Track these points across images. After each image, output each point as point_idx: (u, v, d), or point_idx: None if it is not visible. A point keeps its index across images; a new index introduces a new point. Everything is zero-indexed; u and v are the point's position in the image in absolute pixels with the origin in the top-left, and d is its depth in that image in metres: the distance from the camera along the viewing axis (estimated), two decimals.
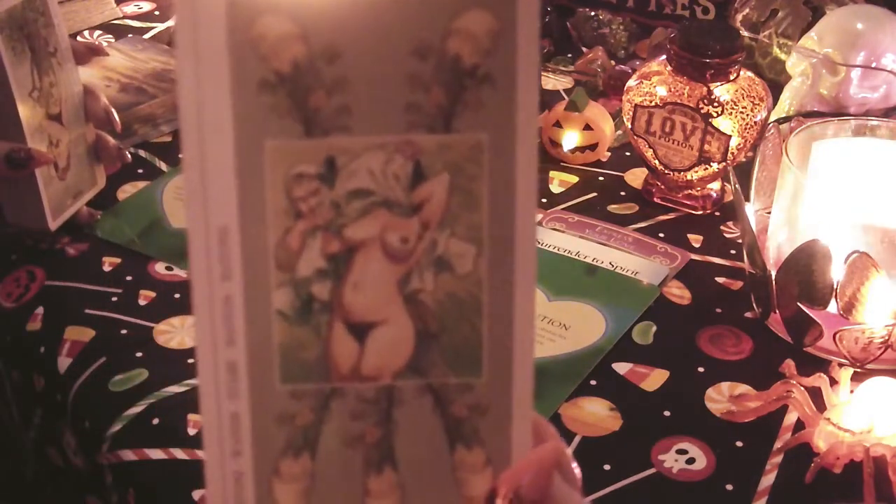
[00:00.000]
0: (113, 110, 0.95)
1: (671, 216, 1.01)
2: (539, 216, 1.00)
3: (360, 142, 0.36)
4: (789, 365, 0.81)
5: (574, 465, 0.42)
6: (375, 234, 0.37)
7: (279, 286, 0.37)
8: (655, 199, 1.03)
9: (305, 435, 0.39)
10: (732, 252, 0.96)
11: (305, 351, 0.38)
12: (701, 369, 0.84)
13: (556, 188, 1.05)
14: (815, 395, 0.79)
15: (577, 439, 0.78)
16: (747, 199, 0.90)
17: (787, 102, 1.09)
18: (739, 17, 1.19)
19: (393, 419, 0.39)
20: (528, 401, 0.39)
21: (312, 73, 0.36)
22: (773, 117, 1.03)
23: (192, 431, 0.79)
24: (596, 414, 0.80)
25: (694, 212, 1.01)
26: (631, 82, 1.00)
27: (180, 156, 0.37)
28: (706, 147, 0.97)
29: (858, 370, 0.82)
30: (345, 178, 0.36)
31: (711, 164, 0.98)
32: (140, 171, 1.06)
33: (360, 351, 0.38)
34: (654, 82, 0.98)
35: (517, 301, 0.38)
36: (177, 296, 0.91)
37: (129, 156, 0.98)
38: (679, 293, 0.92)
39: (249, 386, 0.38)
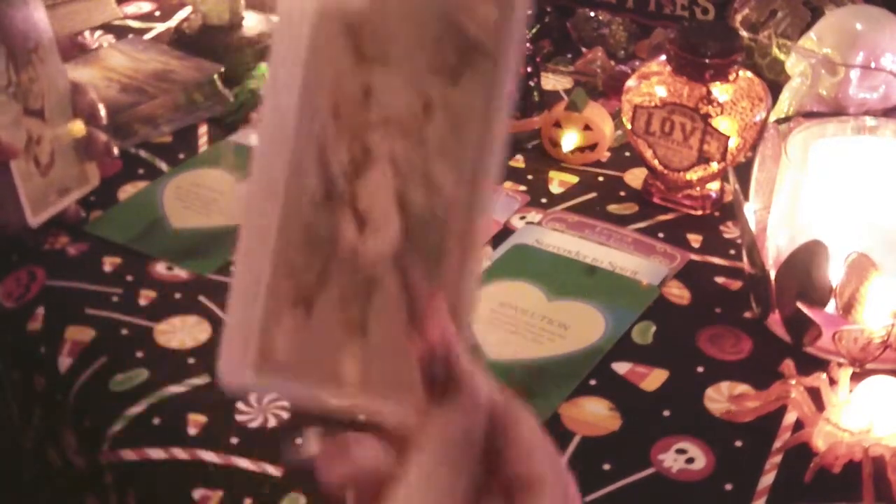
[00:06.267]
0: (100, 105, 0.94)
1: (671, 216, 1.01)
2: (539, 216, 1.00)
3: (393, 78, 0.47)
4: (788, 365, 0.81)
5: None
6: (389, 149, 0.47)
7: (313, 174, 0.46)
8: (655, 200, 1.03)
9: (307, 295, 0.47)
10: (732, 252, 0.96)
11: (321, 228, 0.46)
12: (700, 369, 0.84)
13: (555, 188, 1.05)
14: (815, 394, 0.79)
15: (576, 439, 0.78)
16: (746, 199, 0.90)
17: (787, 103, 1.09)
18: (739, 17, 1.19)
19: (371, 299, 0.47)
20: (471, 307, 0.48)
21: (368, 23, 0.46)
22: (772, 117, 1.03)
23: (192, 431, 0.79)
24: (596, 414, 0.80)
25: (693, 212, 1.02)
26: (630, 82, 1.01)
27: (270, 51, 0.46)
28: (705, 147, 0.97)
29: (857, 370, 0.82)
30: (375, 102, 0.46)
31: (711, 164, 0.98)
32: (140, 171, 1.06)
33: (359, 240, 0.47)
34: (654, 82, 0.98)
35: (477, 224, 0.48)
36: (177, 296, 0.91)
37: (118, 153, 0.97)
38: (678, 293, 0.92)
39: (275, 245, 0.46)
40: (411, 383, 0.46)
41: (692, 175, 0.99)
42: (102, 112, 0.94)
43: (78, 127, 0.94)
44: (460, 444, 0.45)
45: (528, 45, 1.10)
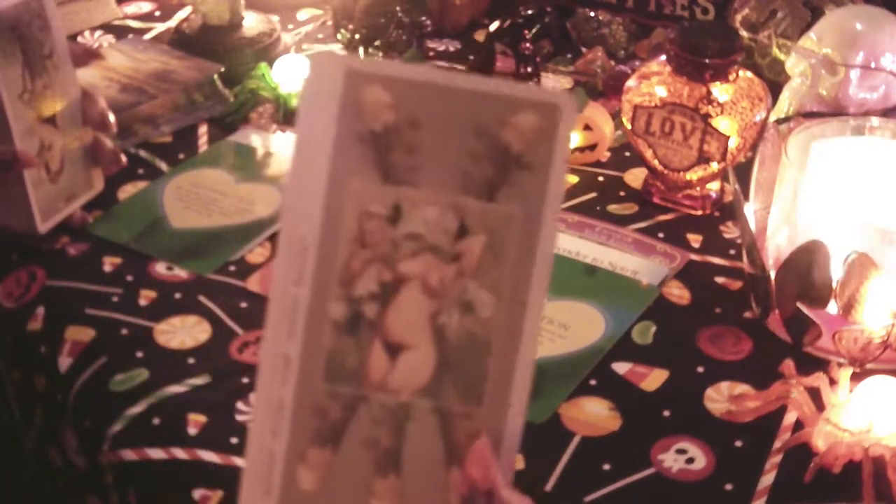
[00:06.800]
0: (110, 114, 0.94)
1: (671, 216, 1.01)
2: None
3: (423, 196, 0.44)
4: (788, 365, 0.81)
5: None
6: (420, 273, 0.44)
7: (337, 299, 0.44)
8: (655, 200, 1.03)
9: (333, 430, 0.45)
10: (732, 252, 0.96)
11: (347, 358, 0.44)
12: (700, 369, 0.84)
13: None
14: (815, 394, 0.79)
15: (576, 439, 0.78)
16: (747, 199, 0.90)
17: (787, 103, 1.09)
18: (739, 17, 1.19)
19: (404, 432, 0.45)
20: (518, 433, 0.45)
21: (396, 136, 0.44)
22: (772, 117, 1.03)
23: (192, 431, 0.79)
24: (595, 414, 0.80)
25: (693, 212, 1.02)
26: (630, 83, 1.01)
27: (283, 182, 0.44)
28: (705, 147, 0.97)
29: (857, 370, 0.82)
30: (405, 222, 0.44)
31: (711, 164, 0.98)
32: (140, 171, 1.06)
33: (390, 367, 0.44)
34: (654, 83, 0.98)
35: (522, 347, 0.45)
36: (177, 296, 0.91)
37: (126, 159, 0.98)
38: (678, 293, 0.92)
39: (297, 378, 0.44)
40: None
41: (692, 175, 0.99)
42: (112, 120, 0.94)
43: (86, 133, 0.94)
44: None
45: (528, 45, 1.10)
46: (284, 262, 0.44)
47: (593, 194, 1.04)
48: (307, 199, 0.44)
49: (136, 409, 0.81)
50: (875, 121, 0.91)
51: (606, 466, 0.76)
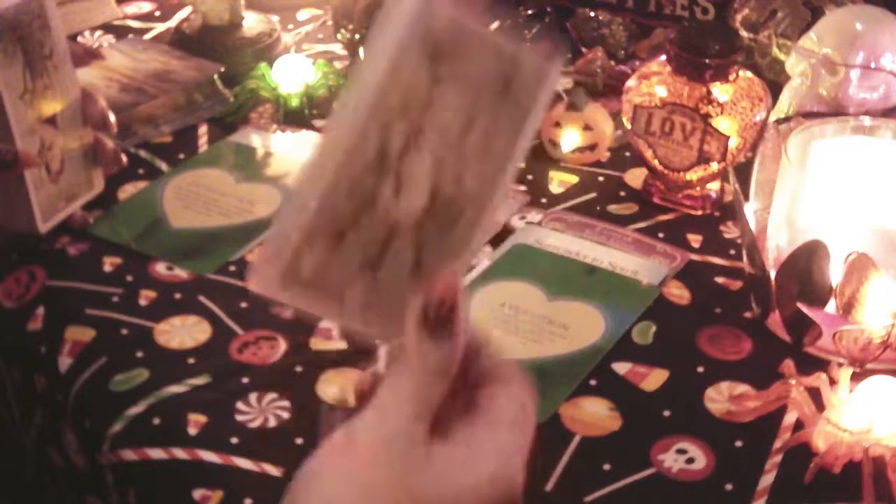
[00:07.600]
0: (110, 114, 0.95)
1: (671, 216, 1.01)
2: (539, 216, 1.00)
3: (450, 98, 0.53)
4: (788, 365, 0.81)
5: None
6: (433, 147, 0.53)
7: (375, 141, 0.52)
8: (655, 200, 1.03)
9: (340, 232, 0.52)
10: (732, 252, 0.96)
11: (366, 185, 0.52)
12: (700, 369, 0.84)
13: (555, 188, 1.05)
14: (815, 394, 0.79)
15: (576, 439, 0.78)
16: (747, 199, 0.90)
17: (787, 103, 1.09)
18: (739, 17, 1.19)
19: (389, 246, 0.53)
20: (464, 271, 0.54)
21: (447, 50, 0.53)
22: (772, 117, 1.03)
23: (192, 431, 0.79)
24: (595, 414, 0.80)
25: (693, 212, 1.02)
26: (630, 83, 1.01)
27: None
28: (705, 147, 0.97)
29: (857, 370, 0.82)
30: (433, 110, 0.53)
31: (711, 164, 0.98)
32: (140, 171, 1.06)
33: (393, 200, 0.52)
34: (654, 83, 0.98)
35: (486, 214, 0.54)
36: (177, 296, 0.91)
37: (127, 159, 0.98)
38: (678, 293, 0.92)
39: (325, 187, 0.51)
40: (404, 316, 0.52)
41: (692, 175, 0.99)
42: (112, 119, 0.94)
43: (86, 133, 0.94)
44: (439, 375, 0.49)
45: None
46: (352, 101, 0.51)
47: (593, 194, 1.04)
48: (379, 61, 0.51)
49: (136, 409, 0.81)
50: (875, 121, 0.91)
51: (606, 466, 0.76)
